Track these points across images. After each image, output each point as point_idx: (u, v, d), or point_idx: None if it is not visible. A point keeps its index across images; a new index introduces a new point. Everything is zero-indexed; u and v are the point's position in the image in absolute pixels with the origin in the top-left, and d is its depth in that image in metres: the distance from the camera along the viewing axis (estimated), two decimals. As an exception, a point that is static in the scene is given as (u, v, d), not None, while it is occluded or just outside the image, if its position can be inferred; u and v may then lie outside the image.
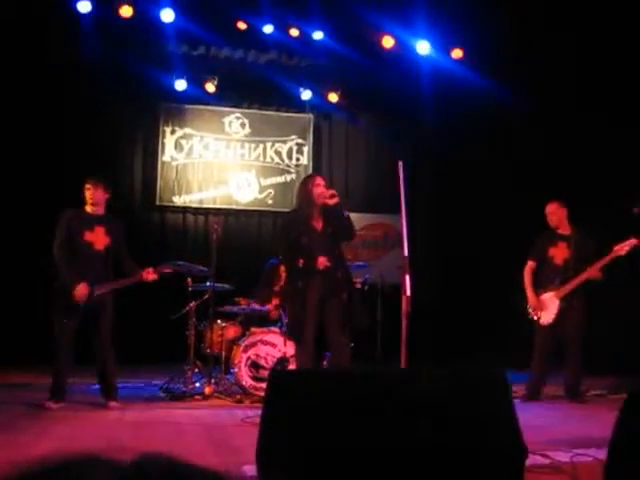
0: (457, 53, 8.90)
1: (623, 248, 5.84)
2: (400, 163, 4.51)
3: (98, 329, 5.35)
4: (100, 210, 5.50)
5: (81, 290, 5.19)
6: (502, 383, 2.56)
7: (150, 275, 5.45)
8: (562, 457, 3.52)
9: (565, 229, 6.24)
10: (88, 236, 5.35)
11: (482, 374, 2.61)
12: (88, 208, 5.46)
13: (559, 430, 4.58)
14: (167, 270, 5.68)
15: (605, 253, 5.96)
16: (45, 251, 5.38)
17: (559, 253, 6.17)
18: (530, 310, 6.20)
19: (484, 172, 9.07)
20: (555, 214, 6.23)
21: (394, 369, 4.77)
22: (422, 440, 2.40)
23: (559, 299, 6.06)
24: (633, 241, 5.82)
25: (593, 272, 5.95)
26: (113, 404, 5.35)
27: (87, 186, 5.44)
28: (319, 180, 5.17)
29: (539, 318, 6.12)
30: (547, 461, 3.43)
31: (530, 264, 6.30)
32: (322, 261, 4.99)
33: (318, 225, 5.12)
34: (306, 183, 5.23)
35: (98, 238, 5.38)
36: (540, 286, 6.19)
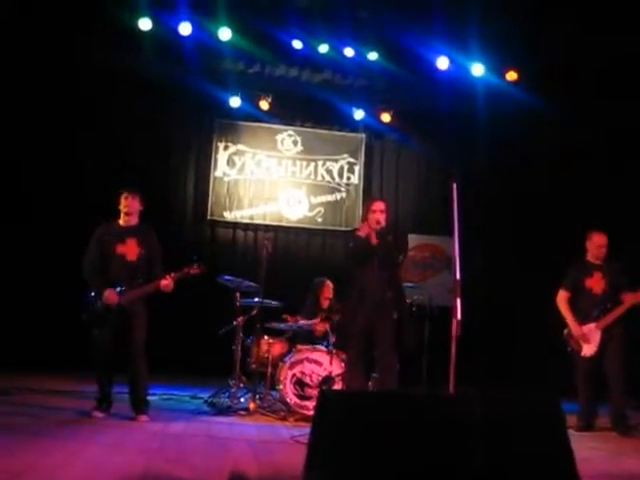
0: (512, 75, 8.85)
1: None
2: (454, 185, 4.47)
3: (129, 340, 5.27)
4: (133, 220, 5.47)
5: (109, 294, 5.19)
6: (557, 412, 2.50)
7: (164, 282, 5.29)
8: (614, 492, 3.41)
9: (600, 260, 6.13)
10: (120, 248, 5.32)
11: (537, 401, 2.55)
12: (121, 219, 5.45)
13: (611, 464, 4.46)
14: (188, 273, 5.44)
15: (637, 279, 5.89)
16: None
17: (596, 284, 6.06)
18: (571, 341, 6.06)
19: (537, 195, 8.93)
20: (605, 247, 6.10)
21: (443, 392, 4.70)
22: (472, 465, 2.35)
23: (601, 330, 5.94)
24: None
25: (639, 297, 5.83)
26: (142, 418, 5.23)
27: (124, 195, 5.42)
28: (375, 206, 5.37)
29: (580, 350, 5.99)
30: (599, 495, 3.33)
31: (565, 294, 6.17)
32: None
33: (373, 242, 5.30)
34: (367, 205, 5.54)
35: (130, 249, 5.34)
36: (579, 318, 6.06)
